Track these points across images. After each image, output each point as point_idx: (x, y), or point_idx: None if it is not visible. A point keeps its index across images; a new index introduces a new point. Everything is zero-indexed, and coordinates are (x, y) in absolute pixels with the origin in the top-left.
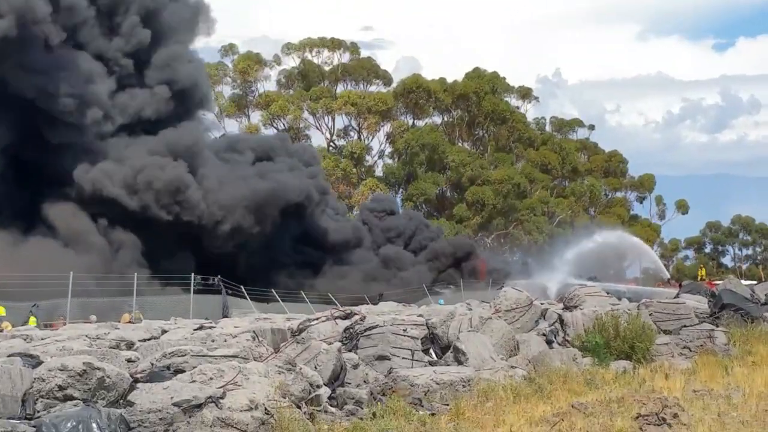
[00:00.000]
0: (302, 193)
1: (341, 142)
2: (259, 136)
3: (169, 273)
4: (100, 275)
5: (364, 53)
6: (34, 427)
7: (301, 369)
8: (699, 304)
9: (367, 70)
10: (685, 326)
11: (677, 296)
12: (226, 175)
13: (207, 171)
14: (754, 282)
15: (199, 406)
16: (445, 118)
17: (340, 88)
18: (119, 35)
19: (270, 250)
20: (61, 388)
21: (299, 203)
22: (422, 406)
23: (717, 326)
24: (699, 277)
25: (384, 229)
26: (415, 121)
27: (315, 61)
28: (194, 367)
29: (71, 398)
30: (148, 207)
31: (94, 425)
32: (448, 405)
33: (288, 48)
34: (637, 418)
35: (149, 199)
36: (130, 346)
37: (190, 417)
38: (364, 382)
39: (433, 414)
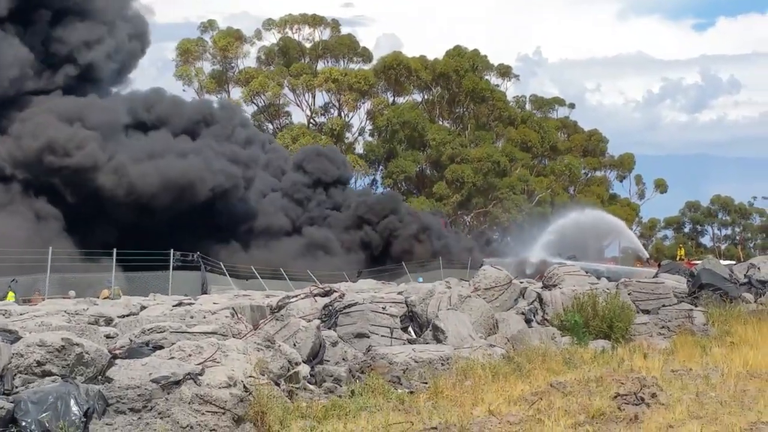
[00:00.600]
0: (223, 179)
1: (321, 119)
2: (193, 102)
3: (89, 246)
4: (78, 251)
5: (345, 30)
6: (12, 402)
7: (280, 346)
8: (678, 284)
9: (347, 47)
10: (663, 306)
11: (656, 276)
12: (140, 151)
13: (120, 147)
14: (733, 262)
15: (178, 383)
16: (426, 96)
17: (320, 65)
18: None
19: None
20: (39, 363)
21: (221, 189)
22: (401, 384)
23: (696, 306)
24: (678, 257)
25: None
26: (396, 99)
27: (295, 37)
28: (173, 344)
29: (50, 374)
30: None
31: (72, 401)
32: (426, 383)
33: (268, 24)
34: (616, 397)
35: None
36: (108, 322)
37: (168, 393)
38: (343, 359)
39: (411, 392)
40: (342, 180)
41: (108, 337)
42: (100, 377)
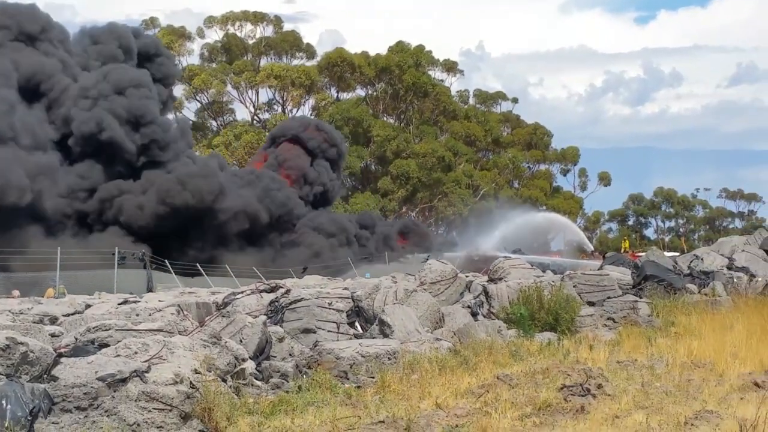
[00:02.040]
0: None
1: (265, 116)
2: None
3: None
4: (22, 250)
5: (287, 26)
6: None
7: (226, 343)
8: (622, 276)
9: (290, 43)
10: (609, 298)
11: (601, 268)
12: None
13: None
14: (677, 253)
15: (124, 381)
16: (369, 92)
17: (263, 62)
18: None
19: None
20: None
21: None
22: (348, 379)
23: (640, 297)
24: (622, 249)
25: None
26: (339, 95)
27: (238, 34)
28: (119, 342)
29: None
30: None
31: (17, 400)
32: (373, 377)
33: (210, 21)
34: (562, 389)
35: None
36: (53, 321)
37: (114, 391)
38: (290, 355)
39: (359, 387)
40: None
41: (53, 335)
42: (45, 376)
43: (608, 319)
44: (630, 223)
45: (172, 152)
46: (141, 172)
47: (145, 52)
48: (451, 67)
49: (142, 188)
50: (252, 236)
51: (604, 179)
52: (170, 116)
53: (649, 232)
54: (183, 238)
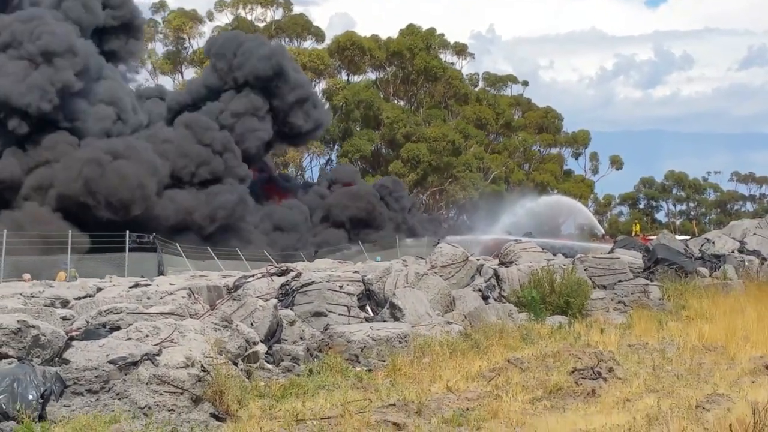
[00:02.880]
0: None
1: None
2: None
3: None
4: (32, 234)
5: (297, 9)
6: None
7: (237, 326)
8: (633, 259)
9: (300, 26)
10: (620, 281)
11: (612, 251)
12: None
13: None
14: (688, 237)
15: (135, 364)
16: (380, 75)
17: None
18: None
19: None
20: None
21: None
22: (359, 363)
23: (651, 281)
24: (633, 233)
25: None
26: (350, 78)
27: (248, 17)
28: (130, 325)
29: (6, 356)
30: None
31: (29, 383)
32: (384, 361)
33: (221, 4)
34: (573, 372)
35: None
36: (65, 304)
37: (126, 374)
38: (301, 338)
39: (369, 370)
40: None
41: (64, 319)
42: (57, 359)
43: (619, 302)
44: (641, 206)
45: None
46: None
47: None
48: (461, 50)
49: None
50: None
51: (616, 162)
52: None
53: (661, 216)
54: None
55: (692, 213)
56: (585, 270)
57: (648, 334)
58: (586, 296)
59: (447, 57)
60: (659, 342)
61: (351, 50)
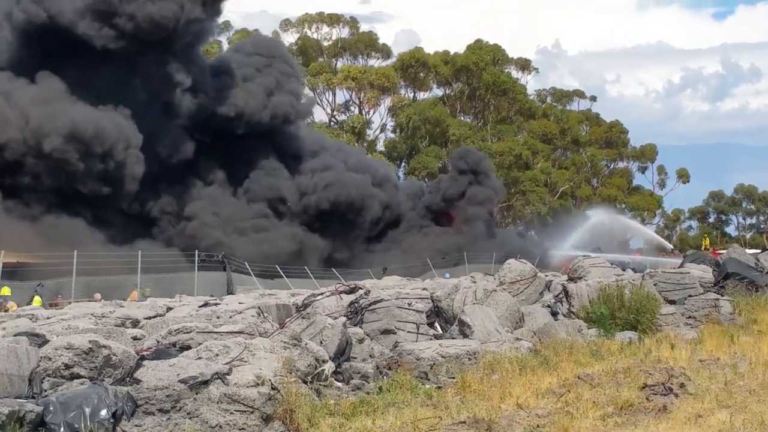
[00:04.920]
0: None
1: (342, 117)
2: None
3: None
4: (103, 253)
5: (363, 27)
6: (41, 405)
7: (306, 344)
8: (703, 274)
9: (366, 44)
10: (690, 296)
11: (681, 266)
12: None
13: None
14: (759, 250)
15: (206, 383)
16: (446, 91)
17: (339, 63)
18: None
19: None
20: (67, 366)
21: None
22: (428, 380)
23: (722, 295)
24: (703, 247)
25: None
26: (416, 95)
27: (314, 36)
28: (200, 344)
29: (78, 377)
30: None
31: (101, 403)
32: (454, 378)
33: (286, 24)
34: (644, 388)
35: None
36: (135, 323)
37: (196, 393)
38: (370, 356)
39: (439, 387)
40: None
41: (135, 338)
42: (128, 379)
43: (689, 317)
44: (710, 220)
45: None
46: None
47: None
48: (526, 65)
49: None
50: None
51: (683, 176)
52: None
53: (730, 230)
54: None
55: (762, 226)
56: (654, 285)
57: (719, 349)
58: (655, 311)
59: (513, 72)
60: (731, 357)
61: (416, 67)
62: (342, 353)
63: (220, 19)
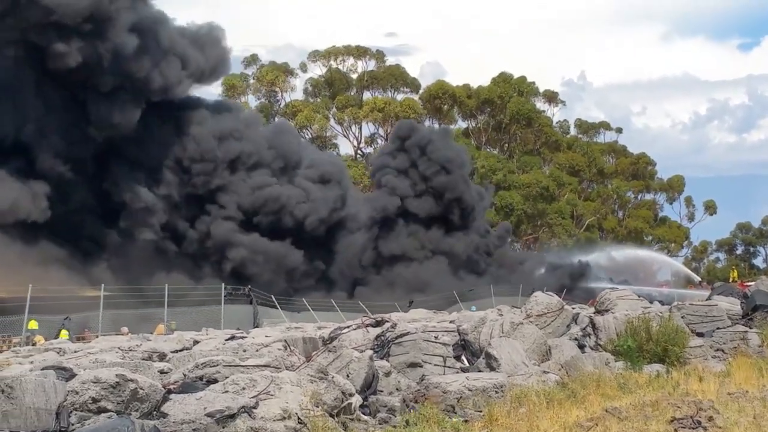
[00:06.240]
0: None
1: (369, 150)
2: None
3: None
4: (130, 287)
5: (389, 59)
6: None
7: (333, 377)
8: (731, 306)
9: (395, 77)
10: (718, 328)
11: (709, 298)
12: None
13: None
14: None
15: (233, 417)
16: (471, 123)
17: (367, 96)
18: None
19: None
20: (94, 400)
21: None
22: (455, 413)
23: (750, 328)
24: (731, 279)
25: None
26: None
27: (341, 68)
28: (227, 378)
29: (105, 410)
30: None
31: None
32: (481, 411)
33: (313, 56)
34: (672, 421)
35: None
36: (162, 357)
37: (223, 427)
38: (397, 389)
39: (466, 421)
40: None
41: (162, 372)
42: (155, 412)
43: (718, 350)
44: (738, 252)
45: None
46: None
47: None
48: (552, 97)
49: None
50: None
51: (710, 208)
52: None
53: (758, 261)
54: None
55: None
56: (682, 317)
57: (748, 382)
58: (683, 344)
59: (538, 104)
60: (759, 390)
61: (441, 99)
62: (368, 386)
63: (248, 51)
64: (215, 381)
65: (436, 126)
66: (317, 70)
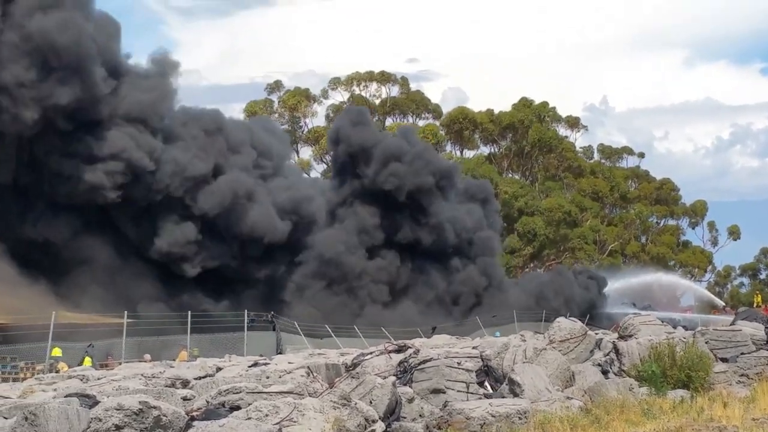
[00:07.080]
0: None
1: None
2: None
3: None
4: (153, 314)
5: (410, 85)
6: None
7: (356, 404)
8: (756, 331)
9: (416, 103)
10: (742, 354)
11: (733, 323)
12: None
13: None
14: None
15: None
16: (493, 149)
17: (389, 122)
18: None
19: None
20: (117, 427)
21: None
22: None
23: None
24: (755, 304)
25: None
26: (463, 153)
27: (363, 94)
28: (250, 404)
29: None
30: None
31: None
32: None
33: (335, 82)
34: None
35: None
36: (185, 384)
37: None
38: (420, 416)
39: None
40: None
41: (185, 399)
42: None
43: (742, 375)
44: (762, 277)
45: None
46: None
47: None
48: (574, 123)
49: None
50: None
51: (734, 233)
52: None
53: None
54: None
55: None
56: (706, 343)
57: None
58: (708, 369)
59: (561, 130)
60: None
61: (463, 124)
62: (392, 413)
63: (271, 77)
64: (238, 408)
65: (458, 152)
66: (338, 97)
